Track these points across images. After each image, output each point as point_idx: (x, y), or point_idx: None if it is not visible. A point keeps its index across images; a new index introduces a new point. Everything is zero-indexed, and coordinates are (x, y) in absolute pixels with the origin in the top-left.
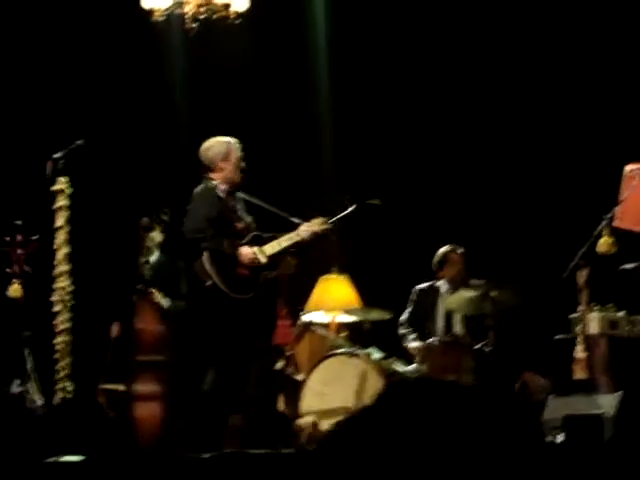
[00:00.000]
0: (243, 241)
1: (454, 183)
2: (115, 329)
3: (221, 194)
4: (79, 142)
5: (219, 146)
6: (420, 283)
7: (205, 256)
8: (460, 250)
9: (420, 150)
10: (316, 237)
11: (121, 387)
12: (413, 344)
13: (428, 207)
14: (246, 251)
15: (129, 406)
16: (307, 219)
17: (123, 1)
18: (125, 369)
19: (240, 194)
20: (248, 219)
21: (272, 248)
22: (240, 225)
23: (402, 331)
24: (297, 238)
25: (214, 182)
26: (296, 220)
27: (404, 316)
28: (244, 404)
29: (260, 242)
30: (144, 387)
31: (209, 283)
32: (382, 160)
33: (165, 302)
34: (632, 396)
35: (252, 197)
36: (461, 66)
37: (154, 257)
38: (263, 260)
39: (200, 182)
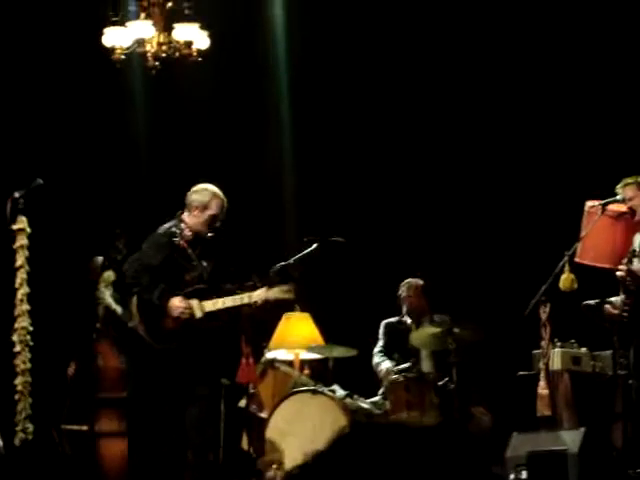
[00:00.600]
0: (185, 292)
1: (416, 220)
2: (71, 369)
3: (178, 240)
4: (38, 181)
5: (204, 195)
6: (385, 319)
7: (134, 301)
8: (416, 283)
9: (383, 188)
10: (273, 304)
11: (83, 427)
12: (388, 364)
13: (390, 245)
14: (176, 304)
15: (92, 445)
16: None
17: (84, 39)
18: (85, 408)
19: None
20: (204, 268)
21: (213, 305)
22: (189, 276)
23: (377, 360)
24: (246, 301)
25: (181, 225)
26: (256, 282)
27: (377, 348)
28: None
29: (205, 296)
30: (108, 425)
31: (132, 324)
32: (344, 199)
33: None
34: (595, 432)
35: (228, 244)
36: (411, 118)
37: (107, 295)
38: (198, 314)
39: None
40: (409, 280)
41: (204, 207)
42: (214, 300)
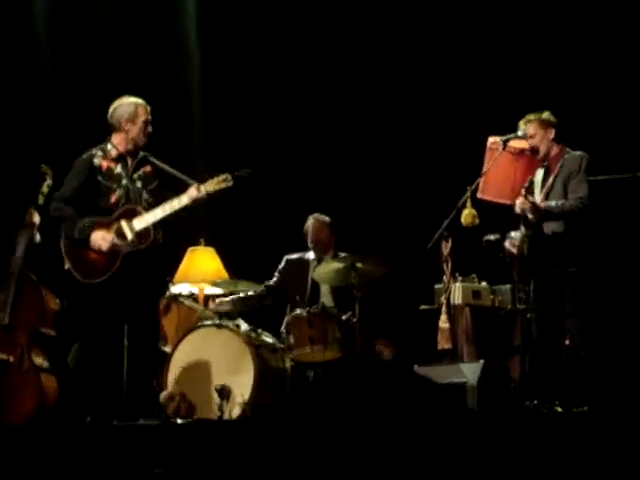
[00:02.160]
0: (112, 217)
1: (321, 154)
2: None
3: (99, 162)
4: None
5: (129, 106)
6: (291, 254)
7: (62, 238)
8: (319, 218)
9: (289, 121)
10: (216, 196)
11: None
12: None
13: (296, 179)
14: (96, 237)
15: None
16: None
17: None
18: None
19: (150, 158)
20: (133, 187)
21: (143, 222)
22: (114, 197)
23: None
24: (177, 206)
25: (107, 146)
26: (191, 185)
27: (269, 282)
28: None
29: (135, 215)
30: (38, 359)
31: (66, 267)
32: (251, 132)
33: None
34: (494, 365)
35: (158, 161)
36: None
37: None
38: (129, 236)
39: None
40: (315, 215)
41: (134, 117)
42: (143, 216)
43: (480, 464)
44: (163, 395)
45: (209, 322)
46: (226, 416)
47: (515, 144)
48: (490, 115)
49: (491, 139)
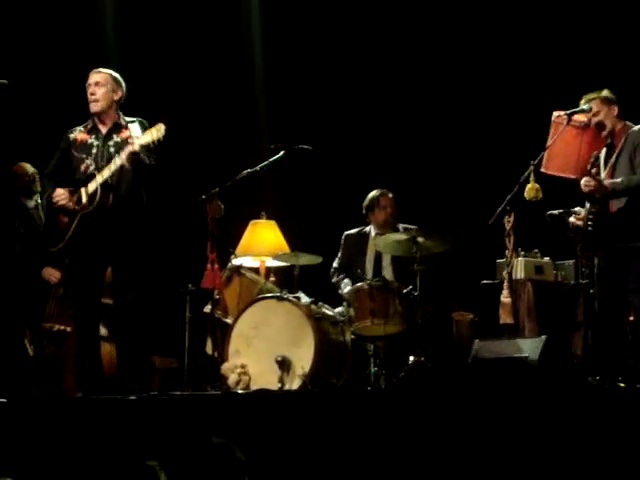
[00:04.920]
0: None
1: (384, 129)
2: (55, 274)
3: (75, 135)
4: (2, 81)
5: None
6: (350, 229)
7: (44, 210)
8: (389, 194)
9: (351, 95)
10: (149, 151)
11: (67, 328)
12: (347, 289)
13: (358, 153)
14: (55, 195)
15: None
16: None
17: None
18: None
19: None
20: (102, 154)
21: (94, 184)
22: (82, 167)
23: (335, 279)
24: (119, 162)
25: (88, 121)
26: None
27: (335, 263)
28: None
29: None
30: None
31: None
32: (313, 106)
33: None
34: (556, 340)
35: (140, 127)
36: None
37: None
38: (84, 199)
39: None
40: (384, 190)
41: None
42: (95, 178)
43: (543, 440)
44: (224, 366)
45: (270, 294)
46: (286, 388)
47: (580, 117)
48: (553, 89)
49: (555, 113)
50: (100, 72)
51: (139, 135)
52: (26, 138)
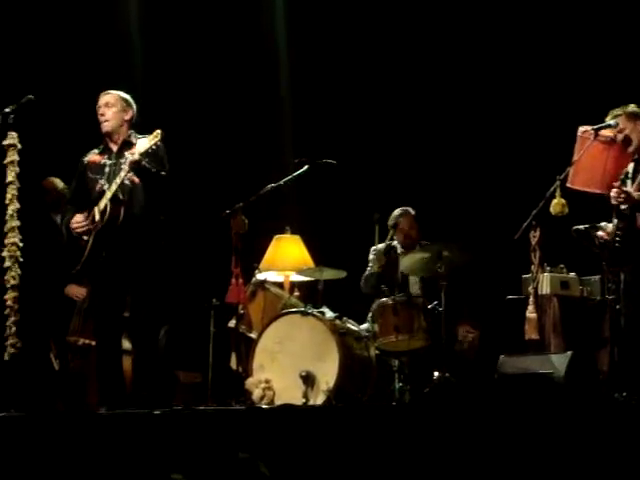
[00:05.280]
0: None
1: (410, 143)
2: (80, 290)
3: (88, 159)
4: (29, 97)
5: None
6: (375, 245)
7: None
8: (409, 215)
9: (374, 111)
10: (155, 154)
11: (92, 342)
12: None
13: (383, 167)
14: (72, 222)
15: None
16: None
17: None
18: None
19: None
20: (114, 172)
21: (104, 199)
22: (97, 188)
23: (368, 290)
24: (123, 174)
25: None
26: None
27: (367, 272)
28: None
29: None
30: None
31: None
32: (338, 120)
33: None
34: (582, 356)
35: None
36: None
37: None
38: (97, 217)
39: None
40: (405, 209)
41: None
42: (104, 196)
43: (569, 456)
44: (249, 381)
45: (294, 309)
46: (311, 403)
47: (606, 132)
48: (579, 104)
49: (582, 128)
50: (109, 93)
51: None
52: (55, 153)
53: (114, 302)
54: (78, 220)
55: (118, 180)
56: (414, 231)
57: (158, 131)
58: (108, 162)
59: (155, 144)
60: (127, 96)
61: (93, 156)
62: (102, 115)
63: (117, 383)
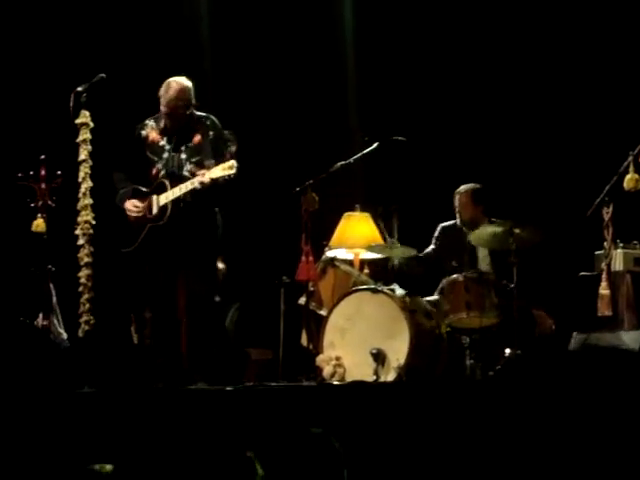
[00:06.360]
0: (149, 189)
1: (480, 120)
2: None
3: (146, 133)
4: (101, 75)
5: (162, 86)
6: (444, 221)
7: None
8: (458, 194)
9: (445, 87)
10: (220, 182)
11: None
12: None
13: (452, 144)
14: (127, 205)
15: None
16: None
17: None
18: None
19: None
20: (173, 158)
21: (165, 198)
22: (155, 169)
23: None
24: (191, 187)
25: (157, 116)
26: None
27: (424, 254)
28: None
29: (164, 190)
30: None
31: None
32: (407, 98)
33: None
34: None
35: (212, 132)
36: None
37: None
38: (154, 210)
39: None
40: (459, 188)
41: (162, 94)
42: (166, 193)
43: None
44: (319, 358)
45: (364, 287)
46: (381, 380)
47: None
48: None
49: None
50: (175, 80)
51: (212, 166)
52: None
53: (169, 280)
54: (136, 205)
55: (184, 189)
56: (466, 211)
57: (234, 164)
58: (167, 146)
59: (229, 176)
60: (189, 83)
61: (152, 132)
62: (169, 102)
63: (175, 360)
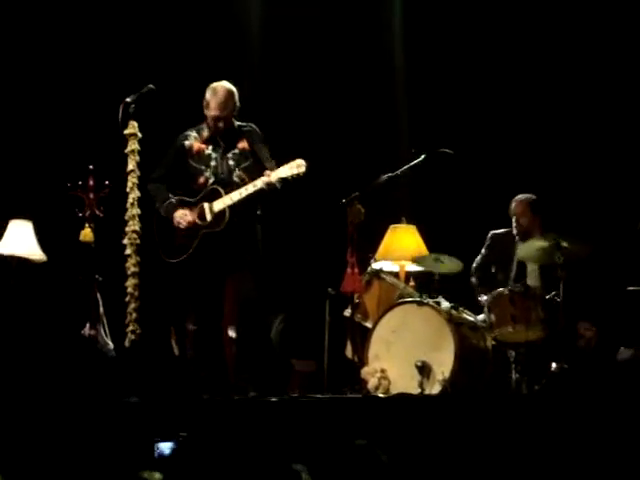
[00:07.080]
0: (197, 198)
1: (528, 132)
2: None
3: (190, 143)
4: (150, 86)
5: (207, 92)
6: (496, 230)
7: (156, 217)
8: (515, 202)
9: (494, 100)
10: (290, 181)
11: None
12: (484, 298)
13: (501, 156)
14: (177, 215)
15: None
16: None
17: None
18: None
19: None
20: (222, 166)
21: (222, 204)
22: (202, 178)
23: (474, 280)
24: (251, 189)
25: (201, 126)
26: (268, 169)
27: (476, 263)
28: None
29: (217, 196)
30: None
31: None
32: (456, 110)
33: None
34: None
35: (259, 138)
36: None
37: None
38: (208, 217)
39: None
40: (517, 197)
41: (206, 103)
42: (222, 199)
43: None
44: (364, 370)
45: (410, 299)
46: (426, 393)
47: None
48: None
49: None
50: (220, 84)
51: (274, 168)
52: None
53: (217, 286)
54: (182, 215)
55: (244, 192)
56: (525, 219)
57: (302, 163)
58: (213, 154)
59: (297, 175)
60: (234, 88)
61: (195, 142)
62: (215, 108)
63: (219, 370)
